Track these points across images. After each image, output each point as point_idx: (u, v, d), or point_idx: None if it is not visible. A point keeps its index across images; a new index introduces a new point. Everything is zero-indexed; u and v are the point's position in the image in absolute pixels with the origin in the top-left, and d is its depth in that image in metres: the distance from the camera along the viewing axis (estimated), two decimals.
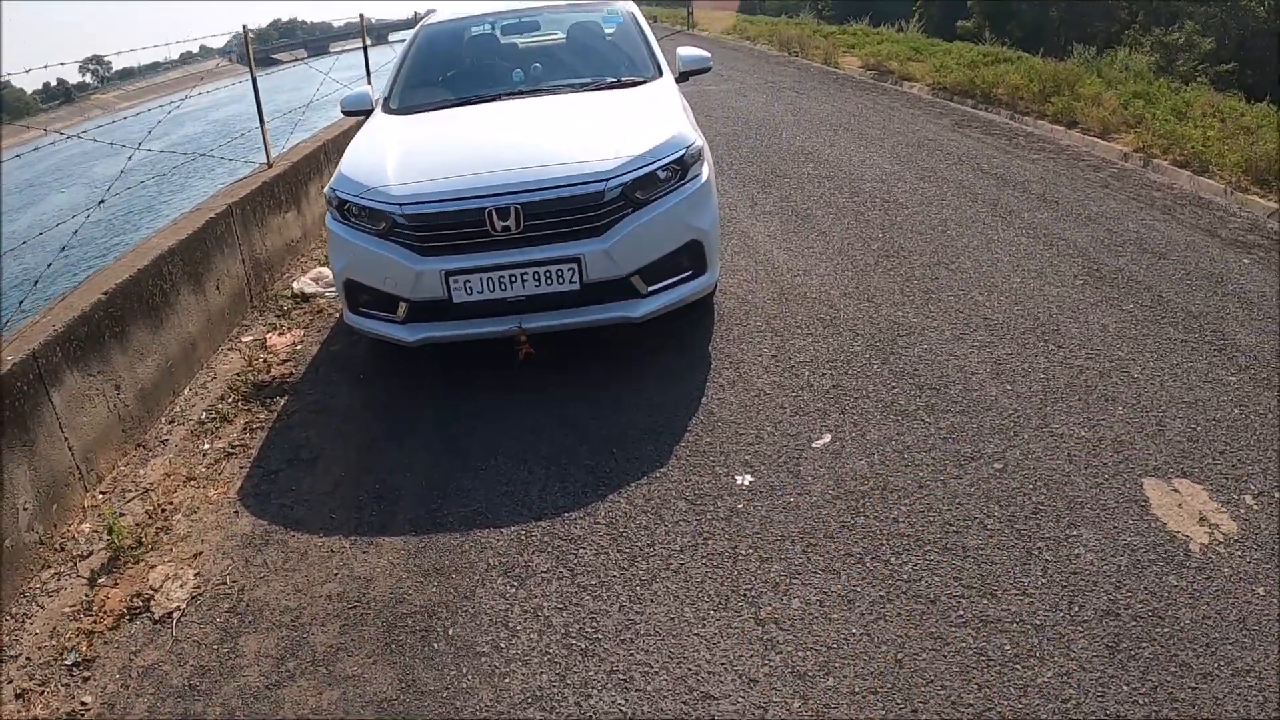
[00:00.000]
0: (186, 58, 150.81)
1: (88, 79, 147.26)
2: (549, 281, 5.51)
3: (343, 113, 7.98)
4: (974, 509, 4.38)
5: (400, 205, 5.60)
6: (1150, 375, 5.54)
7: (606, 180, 5.50)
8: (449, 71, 8.19)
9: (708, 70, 7.75)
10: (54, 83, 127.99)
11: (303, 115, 11.35)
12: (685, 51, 7.71)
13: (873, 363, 5.87)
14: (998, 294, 6.82)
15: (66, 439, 5.20)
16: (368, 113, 7.54)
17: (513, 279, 5.50)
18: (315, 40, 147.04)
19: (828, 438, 5.06)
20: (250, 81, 9.56)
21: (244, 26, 9.73)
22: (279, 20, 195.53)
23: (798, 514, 4.43)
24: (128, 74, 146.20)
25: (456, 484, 5.03)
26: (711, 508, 4.54)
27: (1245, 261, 7.32)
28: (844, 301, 6.84)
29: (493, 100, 7.06)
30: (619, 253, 5.51)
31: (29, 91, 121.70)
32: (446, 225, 5.56)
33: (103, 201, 6.84)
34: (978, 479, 4.61)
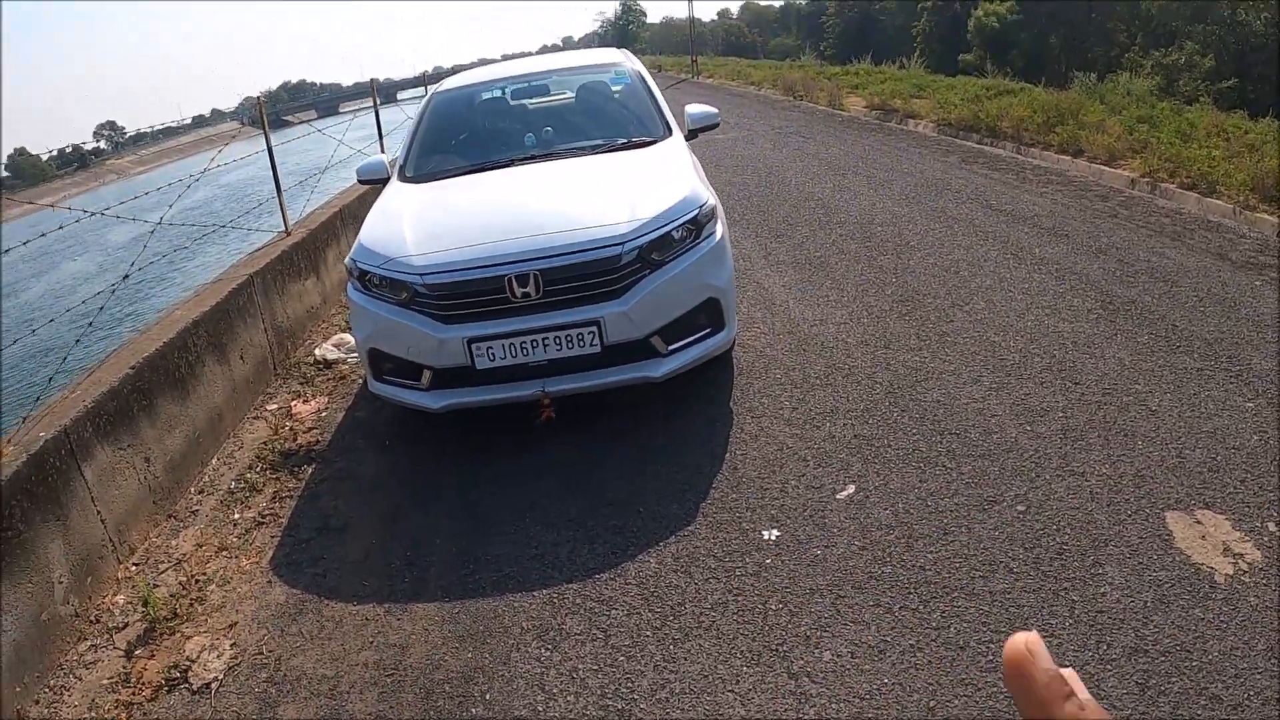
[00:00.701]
0: (199, 121, 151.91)
1: (102, 144, 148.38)
2: (570, 345, 5.60)
3: (359, 181, 8.09)
4: (999, 552, 4.41)
5: (421, 275, 5.69)
6: (1168, 407, 5.58)
7: (623, 243, 5.60)
8: (462, 137, 8.30)
9: (716, 126, 7.88)
10: (69, 149, 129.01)
11: (317, 180, 11.45)
12: (693, 109, 7.82)
13: (893, 411, 5.91)
14: (1013, 333, 6.87)
15: (99, 512, 5.27)
16: (384, 181, 7.64)
17: (534, 344, 5.58)
18: (325, 100, 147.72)
19: (851, 488, 5.11)
20: (266, 150, 9.67)
21: (259, 97, 9.86)
22: (288, 81, 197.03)
23: (825, 566, 4.47)
24: (140, 138, 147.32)
25: (485, 549, 5.08)
26: (740, 564, 4.58)
27: (1257, 283, 7.40)
28: (861, 350, 6.89)
29: (506, 166, 7.17)
30: (638, 314, 5.59)
31: (44, 158, 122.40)
32: (467, 294, 5.65)
33: (127, 276, 6.92)
34: (1001, 522, 4.64)
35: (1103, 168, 12.18)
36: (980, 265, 8.57)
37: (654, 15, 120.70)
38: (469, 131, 8.44)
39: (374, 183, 7.85)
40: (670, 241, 5.76)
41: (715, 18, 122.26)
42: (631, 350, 5.73)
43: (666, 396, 6.38)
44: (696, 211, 5.89)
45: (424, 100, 8.89)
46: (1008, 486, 4.94)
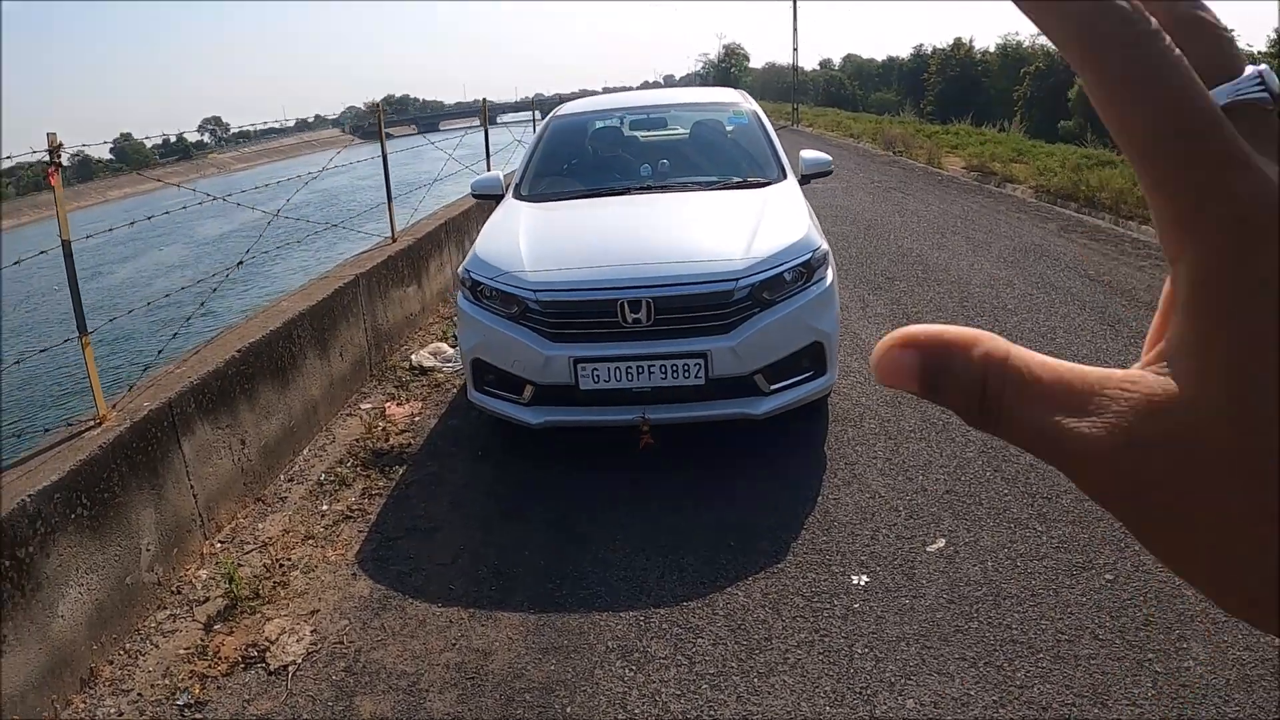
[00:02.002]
0: (301, 125, 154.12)
1: (205, 138, 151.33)
2: (675, 375, 5.63)
3: (473, 195, 8.26)
4: (1086, 618, 4.35)
5: (535, 291, 5.78)
6: None
7: (736, 280, 5.66)
8: (578, 162, 8.45)
9: (829, 174, 7.92)
10: (173, 139, 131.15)
11: (424, 194, 11.58)
12: (808, 154, 7.88)
13: (985, 470, 5.88)
14: None
15: (192, 487, 5.39)
16: (497, 197, 7.78)
17: (640, 370, 5.63)
18: (426, 117, 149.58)
19: (942, 542, 5.08)
20: (379, 159, 9.88)
21: (379, 104, 10.00)
22: (391, 95, 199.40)
23: (913, 616, 4.44)
24: (244, 136, 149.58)
25: (574, 567, 5.10)
26: (828, 606, 4.56)
27: None
28: None
29: (622, 194, 7.29)
30: (745, 350, 5.63)
31: (149, 145, 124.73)
32: (579, 314, 5.73)
33: (241, 263, 7.05)
34: (1089, 589, 4.58)
35: None
36: (1077, 334, 8.51)
37: (756, 60, 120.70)
38: (585, 156, 8.58)
39: (488, 198, 7.99)
40: (782, 282, 5.80)
41: (817, 67, 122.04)
42: (734, 386, 5.76)
43: (763, 436, 6.39)
44: (810, 255, 5.94)
45: (543, 122, 9.03)
46: (1097, 554, 4.88)
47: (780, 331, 5.74)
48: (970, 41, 72.33)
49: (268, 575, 5.20)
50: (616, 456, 6.29)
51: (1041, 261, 11.62)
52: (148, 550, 4.91)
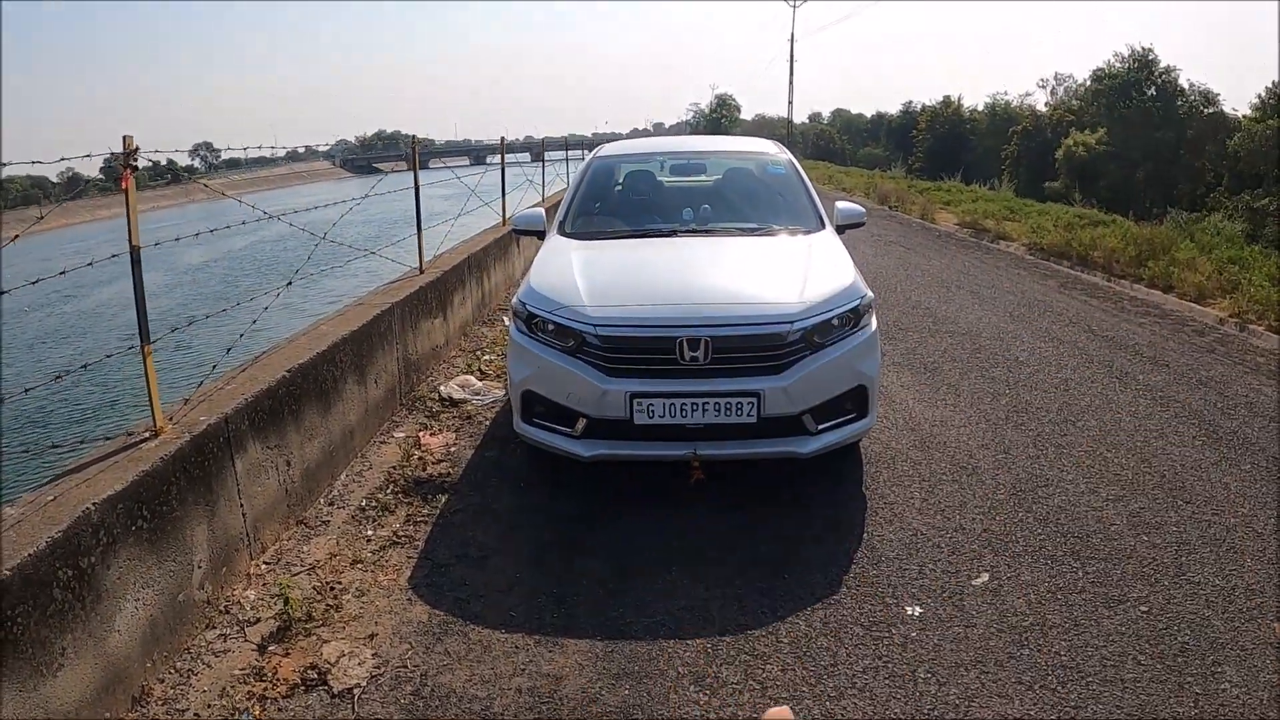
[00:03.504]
0: (293, 155, 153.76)
1: (196, 163, 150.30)
2: (728, 413, 5.73)
3: (514, 231, 8.35)
4: (1127, 645, 4.52)
5: (595, 326, 5.86)
6: (1272, 530, 5.72)
7: (792, 323, 5.80)
8: (620, 202, 8.57)
9: (862, 225, 8.09)
10: (163, 162, 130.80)
11: (447, 227, 11.69)
12: (843, 205, 8.07)
13: (1017, 510, 6.02)
14: (1124, 451, 6.99)
15: (242, 505, 5.40)
16: (539, 233, 7.92)
17: (694, 407, 5.72)
18: (419, 155, 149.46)
19: (985, 577, 5.21)
20: (412, 189, 9.97)
21: (414, 138, 10.11)
22: (383, 131, 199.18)
23: (968, 644, 4.56)
24: (233, 164, 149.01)
25: (635, 596, 5.15)
26: (887, 634, 4.67)
27: None
28: (982, 452, 7.01)
29: (668, 235, 7.43)
30: (796, 391, 5.75)
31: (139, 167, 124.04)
32: (638, 350, 5.82)
33: (290, 283, 7.12)
34: (1127, 619, 4.76)
35: (1193, 304, 12.36)
36: (1088, 385, 8.70)
37: (747, 111, 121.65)
38: (626, 198, 8.70)
39: (529, 234, 8.12)
40: (831, 327, 5.93)
41: (806, 120, 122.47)
42: (784, 425, 5.86)
43: (804, 475, 6.54)
44: (858, 302, 6.11)
45: (584, 162, 9.15)
46: (1130, 589, 5.06)
47: (828, 374, 5.87)
48: (959, 99, 72.77)
49: (319, 598, 5.20)
50: (664, 490, 6.40)
51: (1046, 316, 11.88)
52: (199, 567, 4.91)
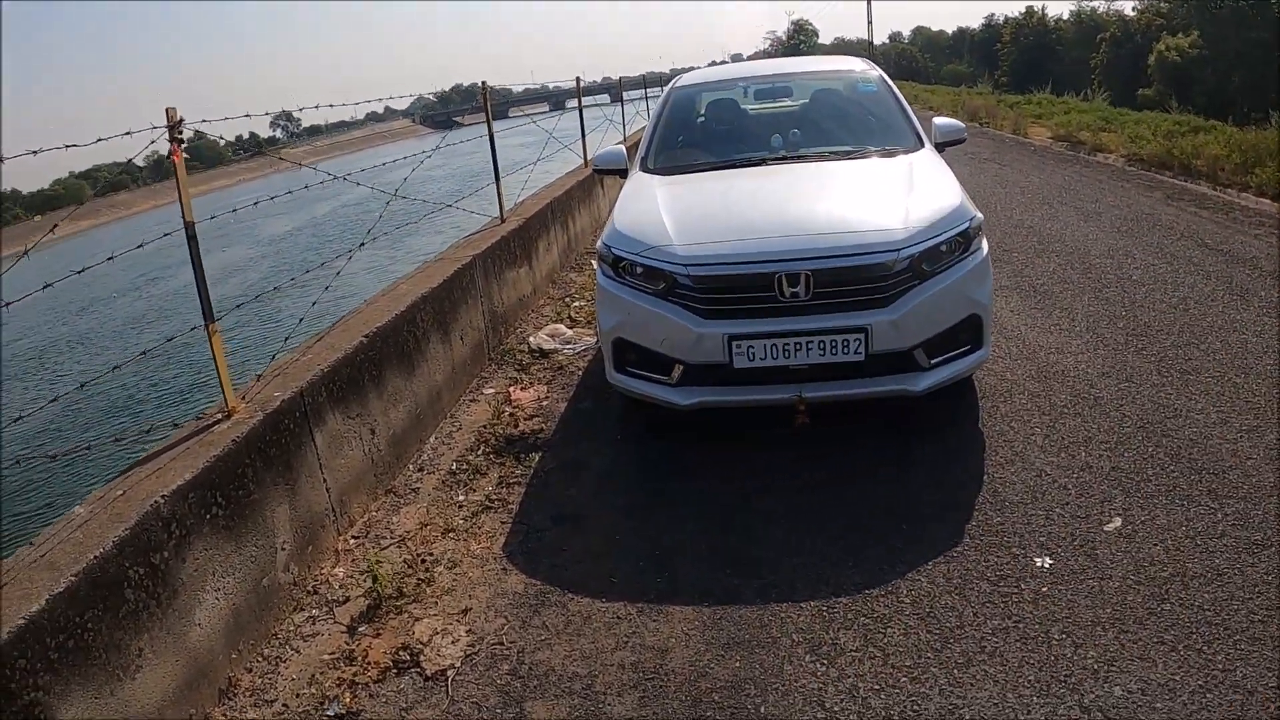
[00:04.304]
0: (372, 116, 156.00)
1: (277, 134, 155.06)
2: (833, 351, 5.38)
3: (595, 170, 8.03)
4: (1275, 597, 4.10)
5: (686, 266, 5.54)
6: None
7: (898, 250, 5.41)
8: (704, 133, 8.22)
9: (963, 142, 7.59)
10: (246, 135, 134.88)
11: (527, 173, 11.48)
12: (941, 121, 7.59)
13: (1146, 445, 5.60)
14: (1254, 376, 6.48)
15: (325, 480, 5.23)
16: (621, 171, 7.58)
17: (797, 347, 5.38)
18: (496, 105, 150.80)
19: (1118, 521, 4.81)
20: (485, 140, 9.74)
21: (483, 83, 9.91)
22: (460, 84, 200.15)
23: (1103, 599, 4.19)
24: (315, 131, 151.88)
25: (744, 554, 4.86)
26: (1015, 590, 4.31)
27: None
28: (1103, 381, 6.58)
29: (758, 164, 7.03)
30: (905, 324, 5.39)
31: (222, 142, 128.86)
32: (733, 289, 5.50)
33: (363, 245, 6.91)
34: (1273, 567, 4.32)
35: None
36: (1208, 304, 8.17)
37: (824, 36, 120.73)
38: (711, 127, 8.34)
39: (611, 172, 7.81)
40: (939, 253, 5.55)
41: (887, 40, 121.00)
42: (894, 361, 5.52)
43: (917, 413, 6.17)
44: (967, 225, 5.70)
45: (664, 94, 8.80)
46: (1274, 531, 4.60)
47: (940, 304, 5.49)
48: (1043, 9, 71.90)
49: (410, 572, 5.00)
50: (767, 437, 6.06)
51: (1155, 230, 11.30)
52: (283, 549, 4.76)
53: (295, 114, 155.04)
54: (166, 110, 4.51)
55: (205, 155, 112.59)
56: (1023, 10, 73.27)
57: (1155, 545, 4.57)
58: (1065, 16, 70.07)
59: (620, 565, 4.90)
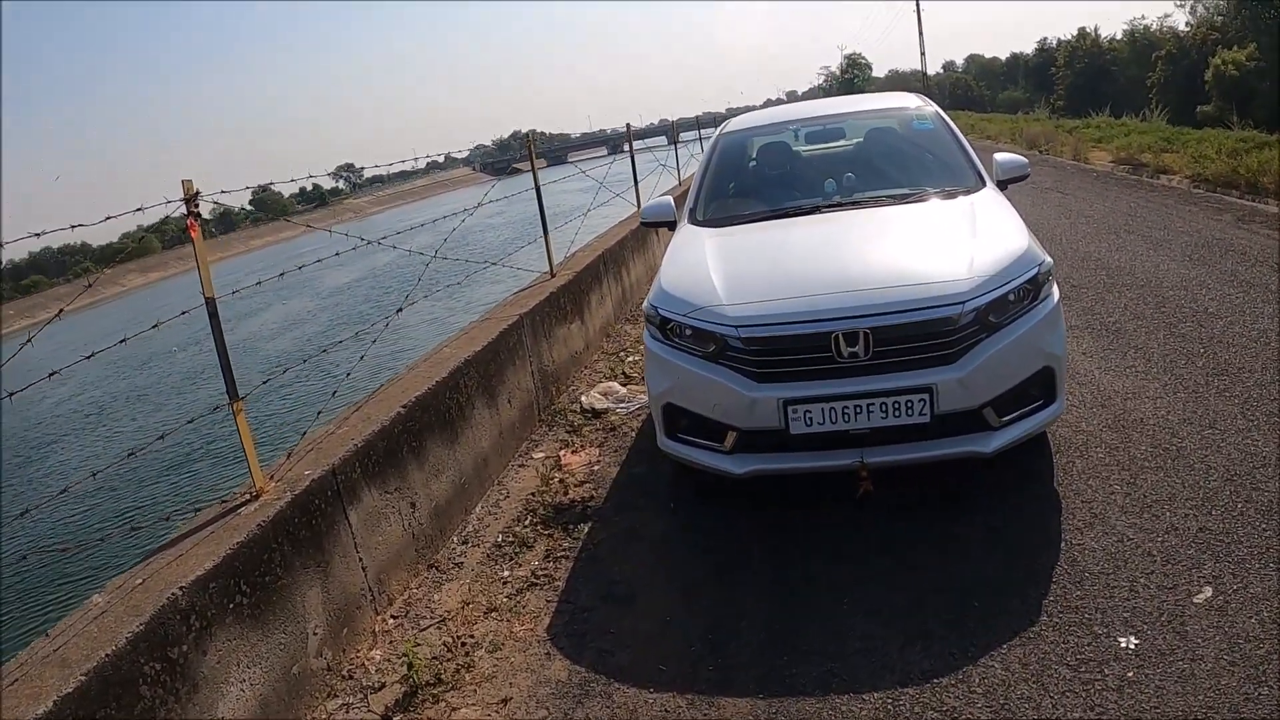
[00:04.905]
0: (433, 165, 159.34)
1: (340, 184, 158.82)
2: (896, 413, 5.07)
3: (643, 224, 7.78)
4: None
5: (736, 327, 5.25)
6: None
7: (963, 303, 5.08)
8: (754, 180, 7.94)
9: (1026, 178, 7.25)
10: (310, 186, 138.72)
11: (579, 223, 11.28)
12: (1002, 157, 7.24)
13: (1235, 501, 5.19)
14: None
15: (361, 559, 5.01)
16: (670, 224, 7.33)
17: (858, 409, 5.07)
18: (554, 150, 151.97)
19: (1208, 591, 4.42)
20: (533, 190, 9.51)
21: (529, 132, 9.83)
22: (518, 131, 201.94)
23: (1195, 684, 3.81)
24: (377, 180, 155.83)
25: (802, 636, 4.53)
26: (1099, 676, 3.94)
27: None
28: (1185, 429, 6.19)
29: (810, 212, 6.73)
30: (973, 381, 5.06)
31: (286, 195, 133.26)
32: (787, 350, 5.20)
33: (400, 310, 6.73)
34: None
35: None
36: None
37: (878, 69, 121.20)
38: (762, 174, 8.06)
39: (659, 225, 7.55)
40: (1007, 303, 5.23)
41: (940, 70, 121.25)
42: (961, 421, 5.18)
43: (987, 474, 5.82)
44: (1036, 270, 5.36)
45: (712, 140, 8.53)
46: None
47: (1010, 358, 5.17)
48: (1096, 30, 71.78)
49: (449, 655, 4.75)
50: (829, 505, 5.73)
51: (1229, 257, 10.85)
52: (315, 634, 4.54)
53: (357, 166, 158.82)
54: (182, 183, 4.34)
55: (270, 207, 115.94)
56: (1075, 33, 73.10)
57: (1250, 618, 4.18)
58: (1119, 36, 70.28)
59: (671, 649, 4.59)
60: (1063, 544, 4.99)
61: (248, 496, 4.53)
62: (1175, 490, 5.40)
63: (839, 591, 4.85)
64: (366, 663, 4.77)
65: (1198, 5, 65.47)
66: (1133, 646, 4.10)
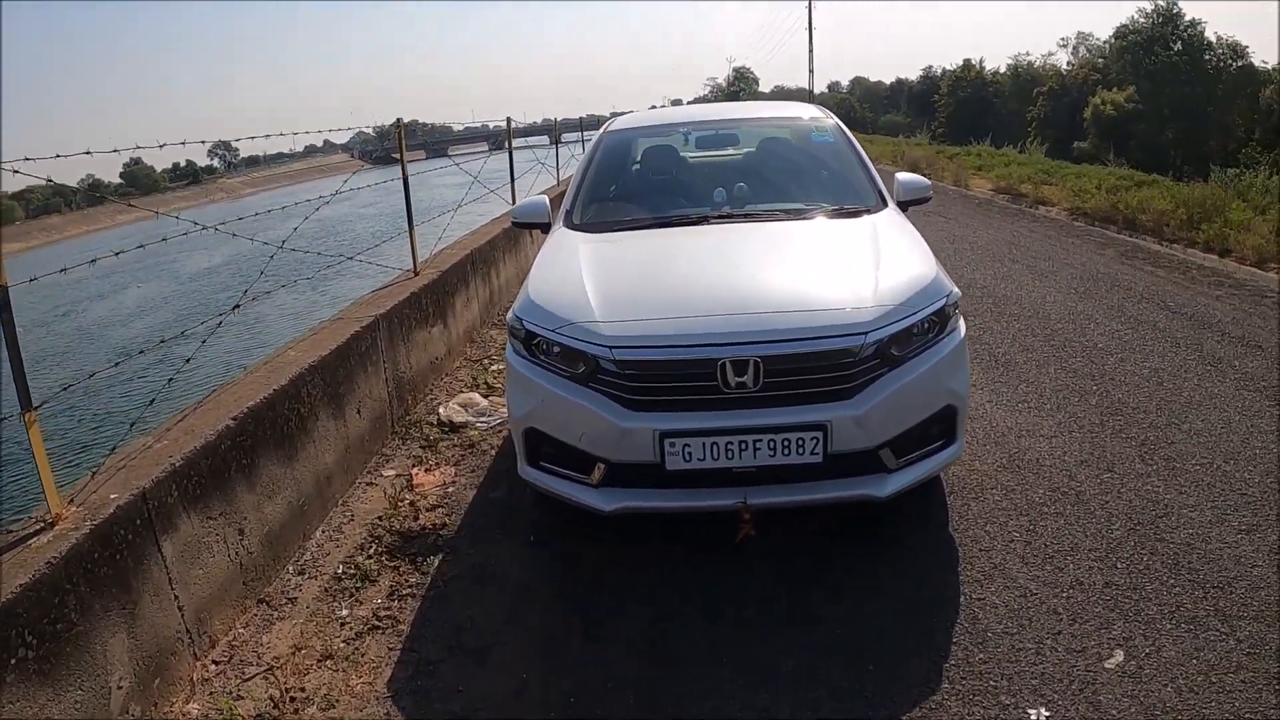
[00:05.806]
0: (310, 150, 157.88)
1: (215, 163, 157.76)
2: (786, 451, 4.58)
3: (514, 224, 7.20)
4: None
5: (610, 348, 4.71)
6: None
7: (866, 334, 4.64)
8: (638, 184, 7.45)
9: (929, 200, 6.93)
10: (183, 163, 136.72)
11: (448, 219, 10.74)
12: (905, 176, 6.89)
13: (1140, 553, 4.90)
14: (1244, 463, 5.86)
15: (176, 597, 4.35)
16: (544, 225, 6.78)
17: (743, 446, 4.57)
18: (434, 143, 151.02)
19: (1120, 655, 4.08)
20: (401, 181, 9.13)
21: (398, 120, 9.27)
22: (400, 119, 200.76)
23: None
24: (253, 161, 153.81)
25: (677, 704, 4.00)
26: None
27: None
28: (1083, 471, 5.89)
29: (698, 223, 6.28)
30: (871, 420, 4.62)
31: (158, 170, 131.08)
32: (667, 376, 4.69)
33: (238, 306, 6.05)
34: None
35: (1254, 269, 11.60)
36: (1182, 376, 7.59)
37: (764, 84, 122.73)
38: (646, 178, 7.58)
39: (532, 226, 7.01)
40: (911, 336, 4.81)
41: (825, 90, 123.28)
42: (856, 462, 4.73)
43: (879, 518, 5.39)
44: (944, 302, 4.96)
45: (595, 139, 8.01)
46: None
47: (911, 395, 4.74)
48: (980, 63, 74.15)
49: (275, 712, 4.13)
50: (707, 548, 5.22)
51: (1114, 292, 10.84)
52: (119, 687, 3.87)
53: (234, 144, 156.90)
54: None
55: (141, 182, 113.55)
56: (960, 64, 75.24)
57: (1165, 685, 3.87)
58: (1002, 70, 72.36)
59: (530, 715, 4.02)
60: (962, 598, 4.60)
61: (40, 525, 3.85)
62: (1077, 540, 5.09)
63: (717, 651, 4.34)
64: (181, 717, 4.14)
65: (1079, 47, 67.76)
66: (1043, 719, 3.72)
